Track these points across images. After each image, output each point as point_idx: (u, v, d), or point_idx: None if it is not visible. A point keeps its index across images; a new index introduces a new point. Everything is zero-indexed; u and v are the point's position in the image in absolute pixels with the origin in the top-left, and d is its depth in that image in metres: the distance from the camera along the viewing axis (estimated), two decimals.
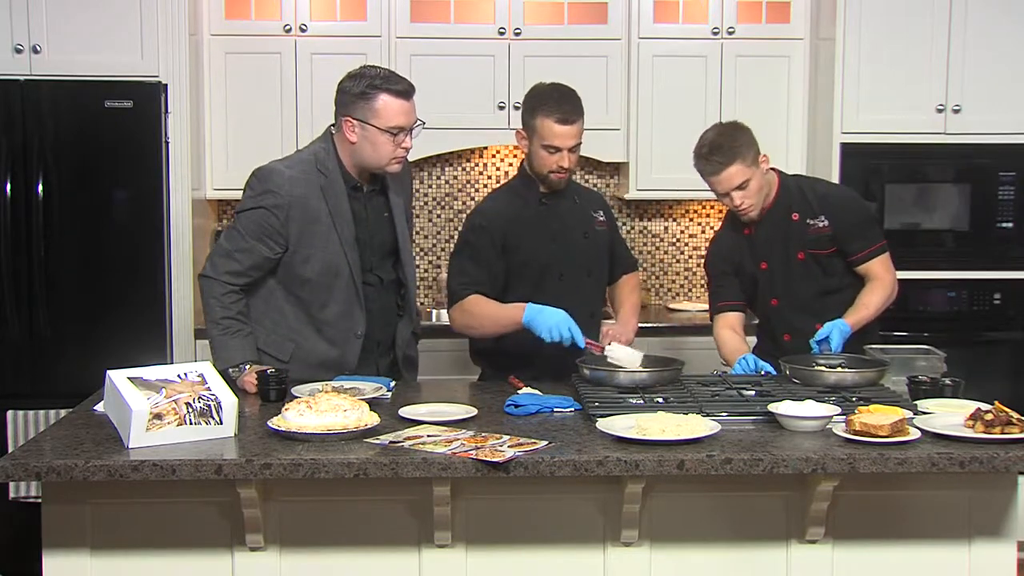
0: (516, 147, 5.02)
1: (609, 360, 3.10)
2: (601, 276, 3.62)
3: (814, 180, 3.71)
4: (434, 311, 4.95)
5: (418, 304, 3.63)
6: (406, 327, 3.43)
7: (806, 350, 3.27)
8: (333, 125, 3.28)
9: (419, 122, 3.21)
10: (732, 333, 3.49)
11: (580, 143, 3.41)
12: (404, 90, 3.17)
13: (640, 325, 3.65)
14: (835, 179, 4.49)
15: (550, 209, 3.48)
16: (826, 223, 3.41)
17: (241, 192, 4.69)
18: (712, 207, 5.12)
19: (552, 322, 3.17)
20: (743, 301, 3.55)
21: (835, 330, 3.23)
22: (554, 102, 3.35)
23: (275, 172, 3.20)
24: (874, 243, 3.45)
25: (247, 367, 3.10)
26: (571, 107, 3.35)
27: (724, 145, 3.34)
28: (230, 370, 3.10)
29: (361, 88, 3.16)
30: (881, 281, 3.42)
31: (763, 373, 3.21)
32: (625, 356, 3.10)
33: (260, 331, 3.24)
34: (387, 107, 3.14)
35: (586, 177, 5.05)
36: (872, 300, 3.38)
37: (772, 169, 3.47)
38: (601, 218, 3.59)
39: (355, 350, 3.27)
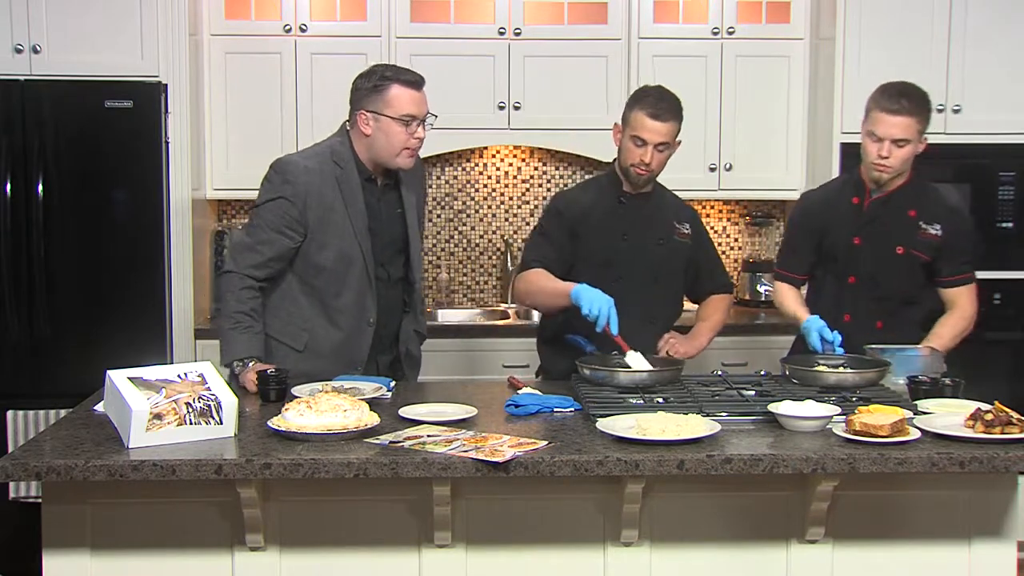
0: (516, 147, 5.03)
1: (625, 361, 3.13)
2: (672, 286, 3.59)
3: (944, 191, 3.68)
4: (436, 311, 4.95)
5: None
6: (410, 323, 3.46)
7: (862, 335, 3.28)
8: (348, 121, 3.34)
9: (431, 115, 3.28)
10: (796, 293, 3.56)
11: (668, 145, 3.41)
12: (415, 80, 3.26)
13: None
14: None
15: (627, 209, 3.50)
16: (939, 232, 3.41)
17: (240, 191, 4.75)
18: (713, 207, 5.12)
19: (595, 299, 3.16)
20: (805, 277, 3.57)
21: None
22: (652, 98, 3.41)
23: (291, 163, 3.27)
24: (967, 272, 3.46)
25: (251, 363, 3.12)
26: (667, 106, 3.39)
27: (916, 95, 3.36)
28: (234, 364, 3.13)
29: (374, 81, 3.24)
30: (962, 312, 3.42)
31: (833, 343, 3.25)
32: (636, 365, 3.11)
33: (276, 322, 3.28)
34: (399, 96, 3.21)
35: (586, 177, 5.04)
36: (945, 332, 3.38)
37: (914, 165, 3.46)
38: (685, 230, 3.57)
39: (367, 339, 3.31)
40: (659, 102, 3.39)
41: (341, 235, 3.24)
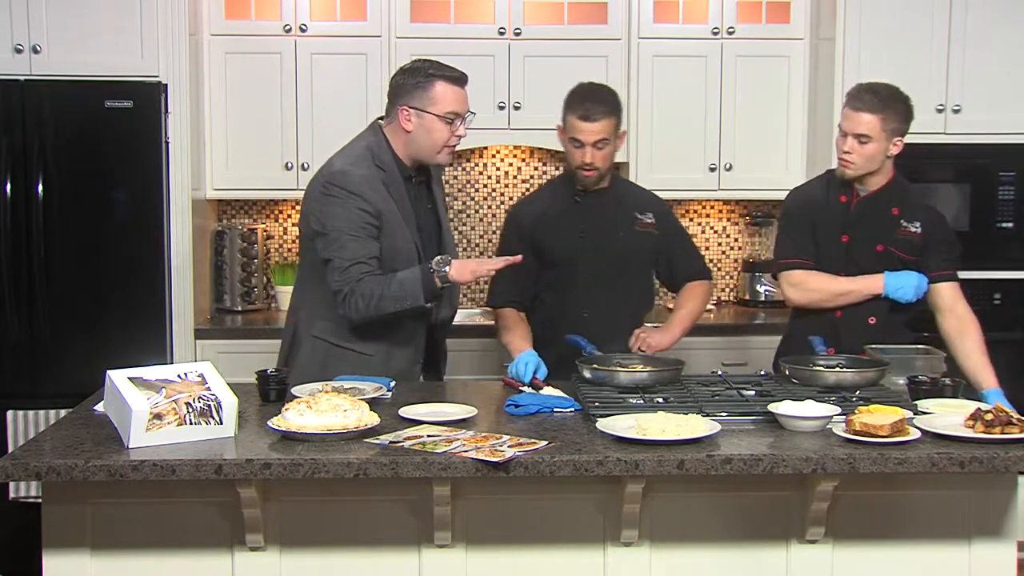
0: (516, 147, 5.03)
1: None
2: (638, 278, 3.63)
3: (923, 189, 3.68)
4: None
5: None
6: (447, 311, 3.48)
7: (854, 331, 3.30)
8: (381, 118, 3.34)
9: (470, 112, 3.28)
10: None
11: (607, 140, 3.44)
12: (459, 77, 3.26)
13: None
14: None
15: (583, 207, 3.54)
16: (919, 230, 3.41)
17: (240, 191, 4.75)
18: (712, 207, 5.12)
19: (518, 361, 3.26)
20: (813, 263, 3.47)
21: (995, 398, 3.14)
22: (579, 99, 3.46)
23: (349, 173, 3.19)
24: (952, 268, 3.44)
25: (440, 262, 3.08)
26: (594, 105, 3.42)
27: (884, 94, 3.38)
28: (438, 273, 3.07)
29: (418, 78, 3.22)
30: (960, 319, 3.38)
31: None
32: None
33: (343, 331, 3.23)
34: (444, 94, 3.21)
35: None
36: (976, 355, 3.33)
37: (894, 165, 3.46)
38: (648, 220, 3.59)
39: (423, 331, 3.34)
40: (586, 102, 3.43)
41: (404, 238, 3.22)
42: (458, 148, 4.76)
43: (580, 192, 3.54)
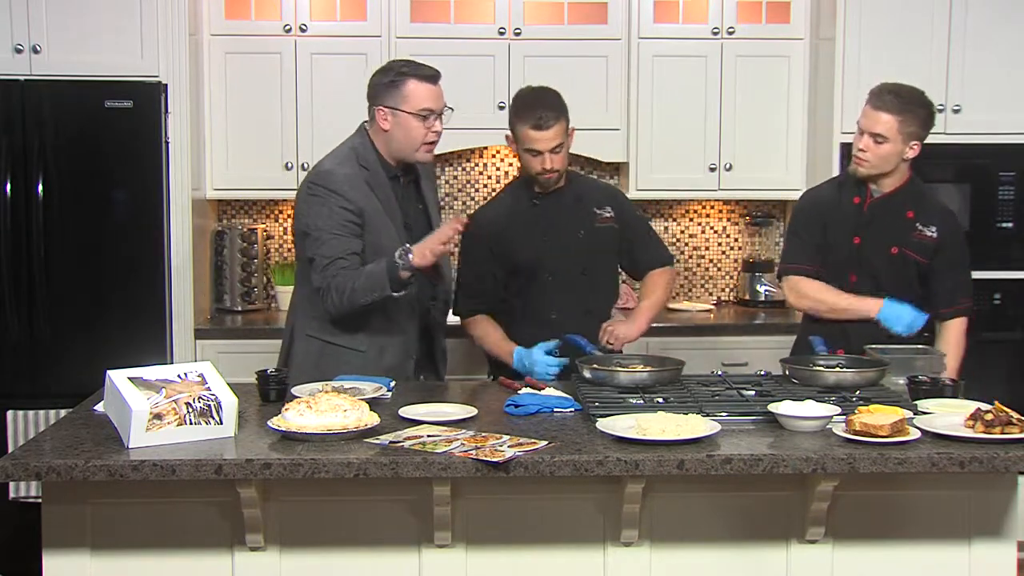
0: None
1: None
2: (603, 273, 3.64)
3: (939, 195, 3.72)
4: None
5: None
6: (439, 315, 3.50)
7: (863, 333, 3.30)
8: (366, 121, 3.37)
9: (448, 108, 3.32)
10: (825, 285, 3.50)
11: (562, 143, 3.45)
12: (430, 75, 3.29)
13: None
14: None
15: (542, 208, 3.55)
16: (934, 234, 3.42)
17: (240, 191, 4.76)
18: (712, 207, 5.12)
19: (533, 361, 3.35)
20: (817, 268, 3.50)
21: None
22: (528, 108, 3.44)
23: (332, 172, 3.25)
24: (966, 300, 3.47)
25: (404, 251, 3.06)
26: (545, 112, 3.41)
27: (905, 95, 3.40)
28: (401, 266, 3.05)
29: (390, 77, 3.28)
30: (954, 352, 3.40)
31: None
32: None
33: (336, 330, 3.26)
34: (416, 91, 3.25)
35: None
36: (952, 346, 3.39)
37: (910, 167, 3.48)
38: (607, 214, 3.60)
39: (415, 328, 3.35)
40: (536, 109, 3.41)
41: (388, 234, 3.25)
42: (458, 148, 4.85)
43: (538, 195, 3.55)
